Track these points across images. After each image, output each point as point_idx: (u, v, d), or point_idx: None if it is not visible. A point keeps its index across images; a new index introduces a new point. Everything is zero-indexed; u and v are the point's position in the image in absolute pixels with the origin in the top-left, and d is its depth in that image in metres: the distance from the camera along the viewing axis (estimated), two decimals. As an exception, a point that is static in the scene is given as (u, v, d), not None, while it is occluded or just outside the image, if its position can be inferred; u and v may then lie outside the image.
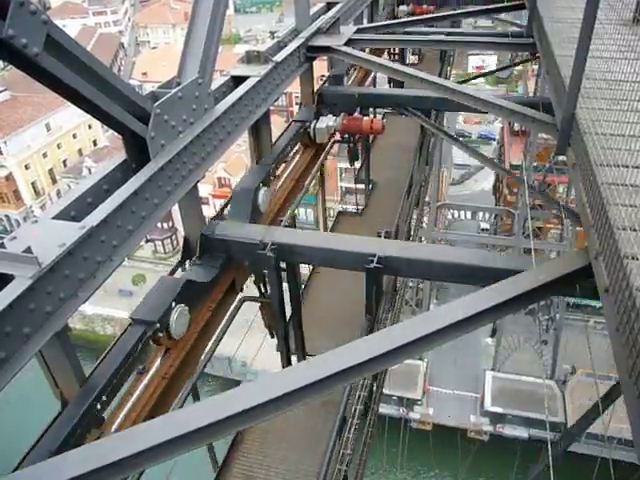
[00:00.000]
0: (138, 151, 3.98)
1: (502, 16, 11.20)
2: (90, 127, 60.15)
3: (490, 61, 69.75)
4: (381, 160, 12.15)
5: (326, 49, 7.12)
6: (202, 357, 4.97)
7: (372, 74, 11.24)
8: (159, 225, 46.24)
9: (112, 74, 3.61)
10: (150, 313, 4.09)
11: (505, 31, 8.66)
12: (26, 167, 54.45)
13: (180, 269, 5.05)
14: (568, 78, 4.13)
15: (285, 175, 6.99)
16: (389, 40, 8.86)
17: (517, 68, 57.65)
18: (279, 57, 6.10)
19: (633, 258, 2.53)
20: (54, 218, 3.41)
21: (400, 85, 12.39)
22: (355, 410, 6.43)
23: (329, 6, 8.37)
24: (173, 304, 4.23)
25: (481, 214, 43.99)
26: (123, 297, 45.94)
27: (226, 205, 5.73)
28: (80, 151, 59.58)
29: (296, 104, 49.48)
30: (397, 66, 6.83)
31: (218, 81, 5.40)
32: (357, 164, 10.41)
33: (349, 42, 7.50)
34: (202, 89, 4.56)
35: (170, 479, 5.34)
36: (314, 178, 7.82)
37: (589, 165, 3.47)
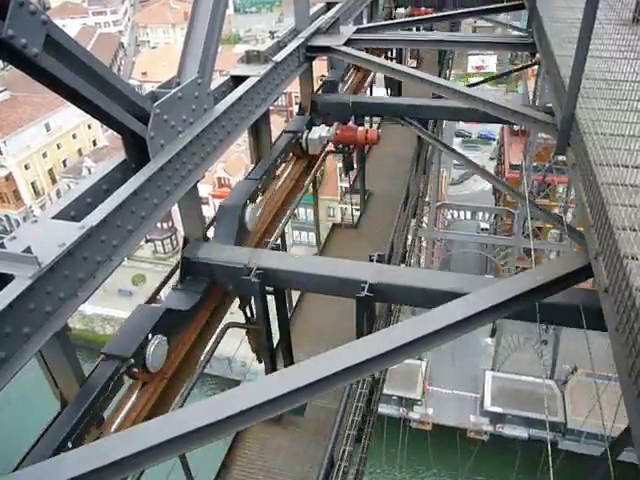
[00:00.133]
0: (138, 151, 3.98)
1: (501, 18, 11.23)
2: (90, 127, 60.14)
3: (490, 61, 69.78)
4: (377, 170, 11.84)
5: (326, 49, 7.12)
6: (183, 387, 4.70)
7: (368, 80, 10.98)
8: (159, 225, 46.25)
9: (112, 74, 3.61)
10: (124, 347, 3.83)
11: (504, 32, 8.67)
12: (26, 167, 54.44)
13: (162, 293, 4.76)
14: (568, 78, 4.13)
15: (276, 188, 6.63)
16: (389, 40, 8.86)
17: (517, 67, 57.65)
18: (279, 57, 6.10)
19: (633, 258, 2.53)
20: (54, 218, 3.41)
21: (397, 93, 12.32)
22: (353, 421, 6.30)
23: (329, 6, 8.38)
24: (150, 336, 3.98)
25: (481, 214, 43.98)
26: (123, 297, 45.97)
27: (211, 223, 5.45)
28: (80, 151, 59.57)
29: (296, 104, 49.49)
30: (397, 66, 6.85)
31: (218, 81, 5.40)
32: (352, 174, 10.14)
33: (349, 42, 7.50)
34: (202, 89, 4.56)
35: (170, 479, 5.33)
36: (306, 191, 7.47)
37: (589, 165, 3.47)
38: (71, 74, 3.22)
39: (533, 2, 7.83)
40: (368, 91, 12.33)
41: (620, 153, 3.47)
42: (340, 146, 8.19)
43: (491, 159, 58.53)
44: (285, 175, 6.89)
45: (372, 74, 11.03)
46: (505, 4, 9.52)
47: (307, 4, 7.38)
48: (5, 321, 2.70)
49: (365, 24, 10.27)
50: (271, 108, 6.06)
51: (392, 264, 8.16)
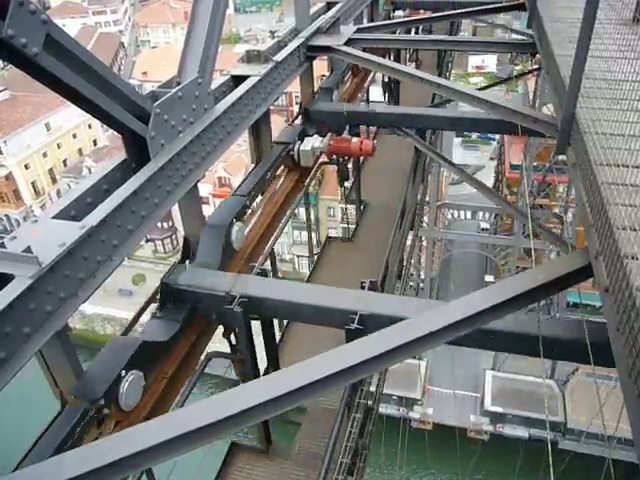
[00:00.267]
0: (138, 151, 3.98)
1: (501, 19, 11.17)
2: (90, 127, 60.14)
3: (490, 61, 69.83)
4: (373, 179, 11.49)
5: (326, 49, 7.12)
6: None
7: (365, 85, 10.77)
8: (159, 225, 46.25)
9: (112, 74, 3.61)
10: (95, 387, 3.52)
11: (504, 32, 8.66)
12: (26, 167, 54.44)
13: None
14: (568, 78, 4.13)
15: (265, 203, 6.29)
16: (389, 40, 8.85)
17: (517, 68, 57.72)
18: (279, 57, 6.11)
19: (633, 258, 2.53)
20: (54, 218, 3.42)
21: (395, 97, 12.15)
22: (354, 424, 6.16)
23: (329, 6, 8.38)
24: (124, 372, 3.68)
25: (481, 214, 43.99)
26: (123, 297, 45.99)
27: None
28: (80, 151, 59.56)
29: (296, 104, 49.47)
30: (397, 65, 6.85)
31: (218, 81, 5.40)
32: (348, 184, 9.90)
33: (349, 42, 7.50)
34: (202, 89, 4.56)
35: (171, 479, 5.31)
36: (298, 205, 7.25)
37: (589, 165, 3.47)
38: (71, 74, 3.23)
39: (533, 2, 7.83)
40: (367, 95, 12.14)
41: (620, 153, 3.47)
42: (334, 157, 8.00)
43: (491, 159, 58.54)
44: (276, 189, 6.57)
45: (369, 79, 10.82)
46: (505, 4, 9.51)
47: (307, 4, 7.39)
48: (5, 321, 2.71)
49: (365, 24, 10.27)
50: (271, 108, 6.06)
51: (387, 282, 7.92)
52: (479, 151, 61.38)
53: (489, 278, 40.57)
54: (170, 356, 4.30)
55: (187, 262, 4.69)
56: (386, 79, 11.66)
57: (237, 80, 5.53)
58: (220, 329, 4.84)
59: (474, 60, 69.73)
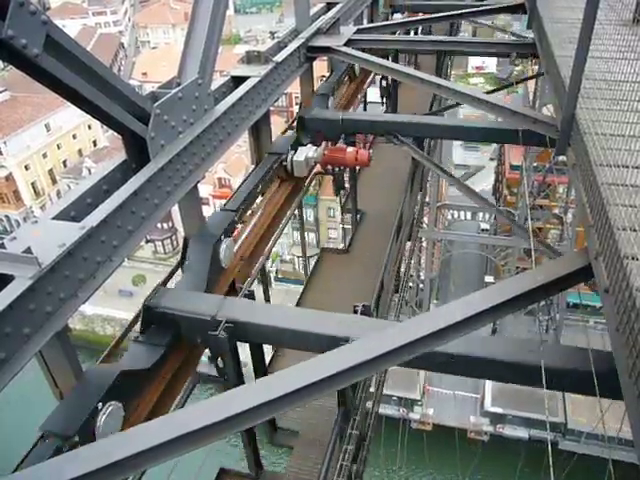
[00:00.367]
0: (138, 151, 3.98)
1: (500, 22, 11.11)
2: (90, 127, 60.17)
3: (490, 62, 69.80)
4: (370, 188, 11.07)
5: (326, 49, 7.12)
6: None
7: (362, 93, 10.50)
8: (159, 225, 46.27)
9: (112, 74, 3.61)
10: (68, 422, 3.25)
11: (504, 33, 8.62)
12: (26, 167, 54.47)
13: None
14: (568, 78, 4.13)
15: (257, 216, 6.02)
16: (389, 40, 8.85)
17: (517, 68, 57.67)
18: (279, 57, 6.11)
19: (633, 258, 2.53)
20: (54, 218, 3.41)
21: (393, 102, 11.72)
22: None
23: (329, 6, 8.38)
24: (100, 405, 3.41)
25: (481, 214, 44.04)
26: (123, 297, 46.01)
27: (182, 262, 4.85)
28: (80, 151, 59.58)
29: (296, 104, 49.46)
30: (397, 66, 6.85)
31: (218, 81, 5.40)
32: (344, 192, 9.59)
33: (349, 42, 7.50)
34: (202, 89, 4.56)
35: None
36: (291, 217, 6.97)
37: (589, 165, 3.47)
38: (71, 74, 3.23)
39: (533, 2, 7.83)
40: (364, 101, 12.02)
41: (620, 153, 3.47)
42: (329, 167, 7.75)
43: (491, 159, 58.56)
44: (267, 201, 6.30)
45: (366, 84, 10.61)
46: (505, 4, 9.51)
47: (307, 4, 7.38)
48: (5, 321, 2.70)
49: (365, 24, 10.27)
50: (271, 109, 6.06)
51: (382, 302, 7.60)
52: (479, 152, 61.38)
53: (489, 279, 40.61)
54: (153, 383, 4.05)
55: (173, 282, 4.55)
56: (384, 84, 11.45)
57: (237, 81, 5.53)
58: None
59: (474, 61, 69.73)
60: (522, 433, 33.79)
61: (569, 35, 5.67)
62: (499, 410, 34.43)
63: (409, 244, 13.37)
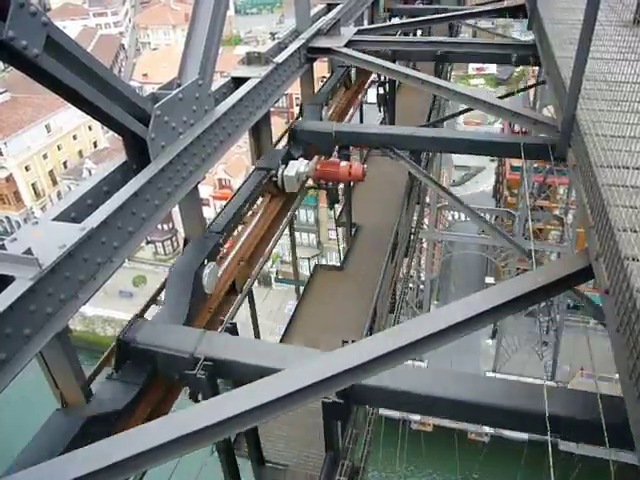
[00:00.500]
0: (138, 152, 3.98)
1: (500, 23, 11.06)
2: (90, 128, 60.22)
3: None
4: (366, 200, 10.68)
5: (326, 50, 7.12)
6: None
7: (358, 101, 10.23)
8: (159, 227, 46.28)
9: (112, 75, 3.61)
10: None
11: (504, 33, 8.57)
12: (26, 168, 54.50)
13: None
14: (569, 79, 4.14)
15: (244, 236, 5.65)
16: (390, 42, 8.85)
17: (517, 69, 57.70)
18: (280, 58, 6.11)
19: (634, 259, 2.53)
20: (54, 219, 3.41)
21: (391, 109, 11.35)
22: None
23: (329, 7, 8.38)
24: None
25: (481, 215, 44.00)
26: (123, 298, 46.01)
27: (160, 291, 4.58)
28: (80, 152, 59.63)
29: (296, 105, 49.46)
30: (397, 67, 6.83)
31: (218, 82, 5.40)
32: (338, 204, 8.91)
33: (349, 43, 7.50)
34: (202, 90, 4.56)
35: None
36: (281, 235, 6.63)
37: (589, 166, 3.47)
38: (72, 75, 3.23)
39: (534, 4, 7.83)
40: (360, 111, 11.73)
41: (621, 154, 3.48)
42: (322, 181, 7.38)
43: (492, 160, 58.52)
44: (256, 219, 5.94)
45: (362, 92, 10.42)
46: (506, 5, 9.52)
47: (308, 5, 7.38)
48: (6, 322, 2.70)
49: (366, 25, 10.28)
50: (272, 109, 6.06)
51: (375, 331, 7.23)
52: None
53: (489, 280, 40.61)
54: (127, 425, 3.72)
55: (151, 313, 4.30)
56: (381, 90, 11.19)
57: (237, 82, 5.53)
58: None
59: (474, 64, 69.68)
60: (522, 434, 33.75)
61: (570, 36, 5.67)
62: (499, 411, 34.38)
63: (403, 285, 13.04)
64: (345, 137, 6.85)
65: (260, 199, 6.11)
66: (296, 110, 8.70)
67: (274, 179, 6.09)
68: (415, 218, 14.75)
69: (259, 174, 5.98)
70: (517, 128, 41.63)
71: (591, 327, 35.32)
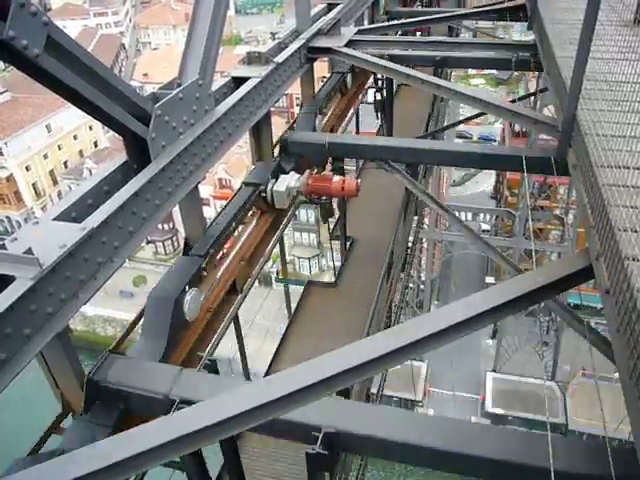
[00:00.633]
0: (139, 152, 3.98)
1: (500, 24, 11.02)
2: (91, 128, 60.24)
3: (491, 62, 69.69)
4: (362, 212, 10.28)
5: (327, 50, 7.12)
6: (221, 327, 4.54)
7: (354, 108, 9.94)
8: (160, 226, 46.29)
9: (113, 75, 3.61)
10: None
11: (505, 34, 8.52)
12: (27, 168, 54.52)
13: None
14: (569, 79, 4.13)
15: (230, 257, 5.29)
16: (390, 41, 8.85)
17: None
18: (280, 58, 6.10)
19: (634, 259, 2.53)
20: (55, 219, 3.41)
21: (389, 116, 11.00)
22: None
23: (330, 7, 8.37)
24: None
25: (482, 215, 44.02)
26: (124, 298, 46.01)
27: (136, 322, 4.27)
28: (81, 152, 59.65)
29: (297, 105, 49.49)
30: (397, 67, 6.82)
31: (219, 82, 5.40)
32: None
33: (350, 43, 7.50)
34: (203, 90, 4.56)
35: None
36: (271, 253, 6.28)
37: (590, 166, 3.47)
38: (72, 75, 3.23)
39: (534, 3, 7.82)
40: (356, 118, 11.35)
41: (621, 154, 3.47)
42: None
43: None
44: (243, 238, 5.58)
45: (358, 100, 10.19)
46: (506, 5, 9.51)
47: (308, 5, 7.38)
48: (6, 322, 2.70)
49: (366, 25, 10.27)
50: (272, 109, 6.06)
51: None
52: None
53: (490, 279, 40.62)
54: None
55: (128, 347, 4.00)
56: (378, 96, 10.95)
57: (238, 81, 5.53)
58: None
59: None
60: (523, 434, 33.74)
61: (570, 36, 5.67)
62: (500, 411, 34.40)
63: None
64: (339, 149, 6.58)
65: (249, 213, 5.82)
66: (296, 110, 8.61)
67: (263, 195, 5.81)
68: (413, 229, 14.37)
69: (247, 190, 5.67)
70: (517, 128, 41.73)
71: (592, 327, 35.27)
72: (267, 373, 7.04)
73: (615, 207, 2.94)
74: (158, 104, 4.02)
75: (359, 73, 9.42)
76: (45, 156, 56.47)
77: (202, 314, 4.63)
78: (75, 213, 3.55)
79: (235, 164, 46.18)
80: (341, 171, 7.24)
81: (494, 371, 36.48)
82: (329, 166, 7.37)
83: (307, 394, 2.95)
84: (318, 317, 8.29)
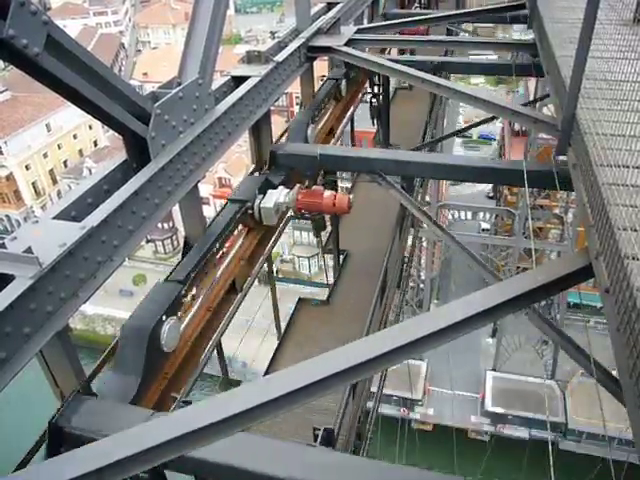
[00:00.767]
0: (139, 151, 3.98)
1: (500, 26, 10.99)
2: (91, 127, 60.26)
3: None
4: (356, 224, 9.89)
5: (326, 49, 7.12)
6: (202, 357, 4.54)
7: (348, 115, 9.55)
8: (160, 225, 46.29)
9: (112, 74, 3.61)
10: None
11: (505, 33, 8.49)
12: (27, 167, 54.54)
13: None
14: (569, 78, 4.13)
15: (218, 274, 4.93)
16: (390, 40, 8.85)
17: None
18: (280, 57, 6.10)
19: (634, 258, 2.53)
20: (55, 218, 3.41)
21: (385, 123, 10.82)
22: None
23: (329, 6, 8.37)
24: None
25: (482, 214, 44.02)
26: (124, 297, 46.04)
27: (109, 355, 3.90)
28: (81, 151, 59.70)
29: (297, 104, 49.47)
30: (397, 66, 6.82)
31: (218, 81, 5.40)
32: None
33: (349, 42, 7.50)
34: (202, 89, 4.56)
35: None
36: (259, 273, 5.94)
37: (589, 165, 3.47)
38: (72, 74, 3.23)
39: (534, 2, 7.82)
40: (351, 125, 10.89)
41: (621, 153, 3.47)
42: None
43: (492, 159, 58.57)
44: (228, 259, 5.17)
45: (354, 106, 9.94)
46: (506, 4, 9.51)
47: (308, 4, 7.38)
48: (6, 321, 2.71)
49: (366, 24, 10.27)
50: (272, 108, 6.06)
51: (357, 394, 6.70)
52: (480, 152, 61.39)
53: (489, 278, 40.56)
54: None
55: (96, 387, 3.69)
56: (374, 102, 10.64)
57: (238, 81, 5.53)
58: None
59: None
60: (523, 433, 33.79)
61: (570, 35, 5.67)
62: (500, 410, 34.43)
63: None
64: (331, 161, 6.30)
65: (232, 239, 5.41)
66: (296, 109, 8.48)
67: (250, 212, 5.48)
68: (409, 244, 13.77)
69: (233, 207, 5.32)
70: (517, 127, 41.76)
71: (591, 326, 35.36)
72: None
73: (615, 206, 2.94)
74: (158, 103, 4.02)
75: (354, 79, 9.08)
76: (45, 155, 56.49)
77: (182, 344, 4.25)
78: (75, 212, 3.55)
79: (235, 163, 46.20)
80: (333, 185, 6.95)
81: (494, 370, 36.50)
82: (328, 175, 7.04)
83: (308, 393, 2.95)
84: (309, 337, 7.97)
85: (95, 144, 60.98)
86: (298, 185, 6.04)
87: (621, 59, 4.86)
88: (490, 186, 52.81)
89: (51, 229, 3.25)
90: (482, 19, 10.57)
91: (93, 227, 3.26)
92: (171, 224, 50.09)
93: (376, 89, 10.55)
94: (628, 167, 3.29)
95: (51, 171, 57.09)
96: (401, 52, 13.72)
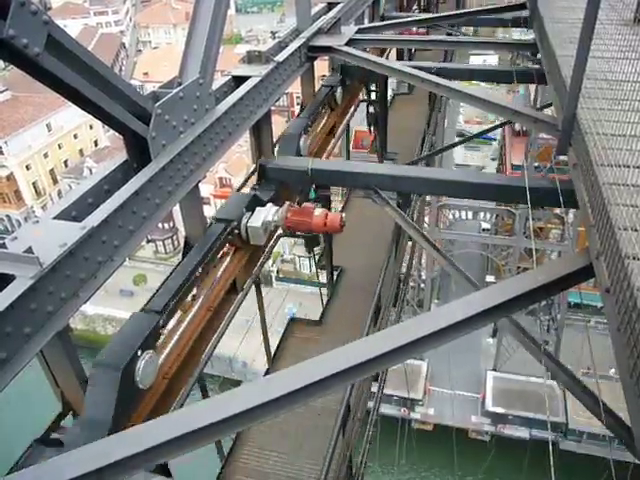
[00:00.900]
0: (139, 151, 3.98)
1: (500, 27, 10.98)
2: (91, 127, 60.28)
3: (491, 62, 69.74)
4: (350, 240, 9.52)
5: (327, 49, 7.11)
6: (202, 357, 4.54)
7: (344, 122, 9.13)
8: (160, 225, 46.32)
9: (113, 74, 3.61)
10: None
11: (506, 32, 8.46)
12: (27, 167, 54.56)
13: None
14: (569, 78, 4.13)
15: (194, 309, 4.47)
16: (390, 40, 8.84)
17: (517, 68, 57.60)
18: (280, 57, 6.10)
19: (634, 258, 2.53)
20: (55, 218, 3.41)
21: (383, 128, 10.57)
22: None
23: (330, 6, 8.36)
24: None
25: (482, 214, 44.02)
26: (124, 297, 46.09)
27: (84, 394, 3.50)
28: (81, 151, 59.71)
29: (297, 104, 49.44)
30: (398, 66, 6.82)
31: (219, 81, 5.40)
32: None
33: (350, 42, 7.49)
34: (203, 89, 4.56)
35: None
36: (246, 295, 5.54)
37: (590, 165, 3.47)
38: (72, 74, 3.23)
39: (534, 2, 7.82)
40: (347, 135, 10.98)
41: (621, 153, 3.47)
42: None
43: (492, 159, 58.56)
44: (218, 275, 4.89)
45: (349, 114, 9.54)
46: (507, 4, 9.51)
47: (309, 4, 7.37)
48: (6, 321, 2.70)
49: (366, 24, 10.26)
50: (272, 108, 6.05)
51: (348, 429, 6.48)
52: (480, 151, 61.36)
53: (490, 278, 40.62)
54: None
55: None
56: (372, 109, 10.38)
57: (238, 80, 5.53)
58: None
59: (475, 61, 69.65)
60: (523, 433, 33.80)
61: (570, 35, 5.67)
62: (500, 410, 34.44)
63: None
64: (323, 176, 6.01)
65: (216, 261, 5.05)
66: (296, 109, 8.38)
67: (236, 231, 5.14)
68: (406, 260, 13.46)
69: (218, 227, 4.95)
70: (517, 127, 41.70)
71: (592, 326, 35.35)
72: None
73: (615, 206, 2.94)
74: (158, 103, 4.02)
75: (350, 86, 8.76)
76: (45, 155, 56.51)
77: (159, 380, 3.90)
78: (75, 212, 3.55)
79: (235, 163, 46.21)
80: (326, 200, 6.64)
81: (494, 370, 36.51)
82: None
83: (308, 393, 2.96)
84: (300, 361, 7.57)
85: (96, 144, 61.00)
86: (288, 202, 5.72)
87: (622, 59, 4.86)
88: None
89: (51, 229, 3.25)
90: (482, 19, 10.56)
91: (94, 227, 3.26)
92: (172, 224, 50.10)
93: (373, 95, 10.28)
94: (629, 167, 3.30)
95: (52, 171, 57.11)
96: (400, 58, 13.72)
